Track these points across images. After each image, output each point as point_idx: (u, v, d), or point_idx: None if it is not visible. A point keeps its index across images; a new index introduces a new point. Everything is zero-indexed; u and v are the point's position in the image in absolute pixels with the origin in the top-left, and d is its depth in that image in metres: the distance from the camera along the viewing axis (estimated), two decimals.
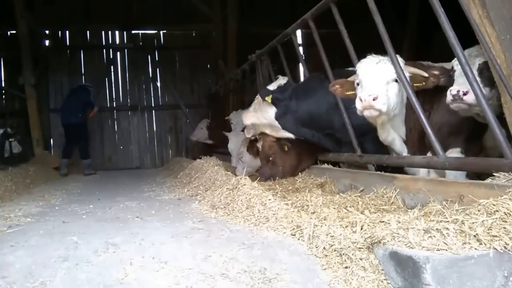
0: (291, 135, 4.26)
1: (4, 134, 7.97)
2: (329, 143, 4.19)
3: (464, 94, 2.64)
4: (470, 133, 3.09)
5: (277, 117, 4.19)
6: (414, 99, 2.85)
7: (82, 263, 2.12)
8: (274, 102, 4.15)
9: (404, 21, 10.77)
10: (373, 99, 2.92)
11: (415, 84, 3.04)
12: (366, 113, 3.02)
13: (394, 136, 3.34)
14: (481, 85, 2.51)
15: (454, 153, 2.99)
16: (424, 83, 3.05)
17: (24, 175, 6.32)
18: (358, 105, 2.99)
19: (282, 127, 4.22)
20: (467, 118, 3.02)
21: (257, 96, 4.43)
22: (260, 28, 10.51)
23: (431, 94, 3.13)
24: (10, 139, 8.12)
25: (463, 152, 3.05)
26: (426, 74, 3.05)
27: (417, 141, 3.20)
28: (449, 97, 2.71)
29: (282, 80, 4.49)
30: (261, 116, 4.26)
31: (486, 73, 2.65)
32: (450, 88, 2.72)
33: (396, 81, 3.06)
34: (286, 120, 4.17)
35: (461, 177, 2.88)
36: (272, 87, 4.38)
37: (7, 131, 8.01)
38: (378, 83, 3.03)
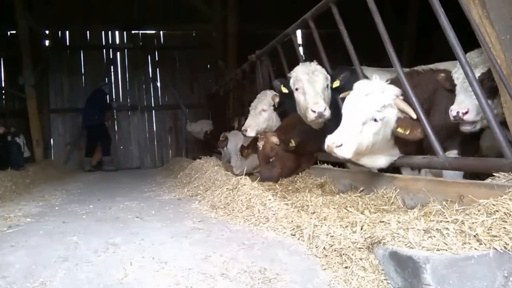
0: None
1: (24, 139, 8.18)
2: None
3: (464, 113, 2.65)
4: (466, 135, 3.11)
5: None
6: (417, 106, 2.84)
7: (82, 263, 2.12)
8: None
9: (404, 21, 10.78)
10: (336, 146, 2.78)
11: (398, 129, 2.85)
12: (333, 154, 2.87)
13: (380, 163, 3.12)
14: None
15: (451, 155, 3.00)
16: (408, 132, 2.82)
17: (24, 175, 6.33)
18: (325, 145, 2.86)
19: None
20: None
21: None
22: (260, 28, 10.52)
23: (428, 97, 3.11)
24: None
25: (459, 154, 3.07)
26: (414, 115, 2.83)
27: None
28: (451, 118, 2.73)
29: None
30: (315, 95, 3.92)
31: (488, 83, 2.65)
32: (451, 108, 2.75)
33: (376, 120, 2.83)
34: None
35: (458, 177, 2.89)
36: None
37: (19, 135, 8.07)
38: (350, 126, 2.82)
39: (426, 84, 3.18)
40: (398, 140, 2.98)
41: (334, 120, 4.03)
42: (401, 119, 2.86)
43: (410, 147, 3.02)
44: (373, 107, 2.81)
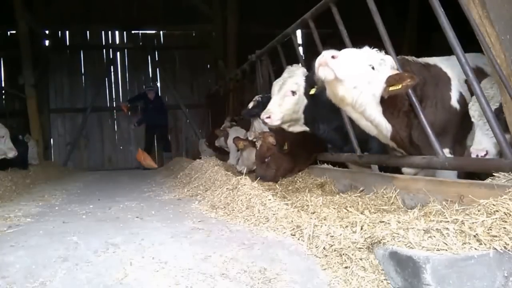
0: (306, 129, 4.17)
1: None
2: (337, 139, 4.15)
3: (483, 156, 2.65)
4: (457, 132, 3.09)
5: (304, 111, 4.03)
6: (416, 103, 2.85)
7: (82, 263, 2.12)
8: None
9: (404, 21, 10.78)
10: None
11: (390, 88, 2.77)
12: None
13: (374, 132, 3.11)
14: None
15: (447, 153, 2.99)
16: (399, 86, 2.74)
17: (24, 175, 6.32)
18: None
19: (304, 121, 4.09)
20: (454, 118, 3.06)
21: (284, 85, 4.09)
22: (260, 28, 10.53)
23: (420, 92, 3.07)
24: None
25: (451, 152, 3.06)
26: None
27: (408, 143, 3.17)
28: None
29: (301, 69, 4.19)
30: (289, 112, 3.99)
31: (503, 116, 2.59)
32: (470, 150, 2.74)
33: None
34: (311, 115, 4.05)
35: (453, 176, 2.90)
36: (300, 78, 4.08)
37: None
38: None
39: (417, 72, 3.09)
40: (386, 111, 2.93)
41: (325, 122, 4.08)
42: (388, 77, 2.77)
43: (400, 118, 3.00)
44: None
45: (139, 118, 11.09)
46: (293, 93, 3.96)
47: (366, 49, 2.85)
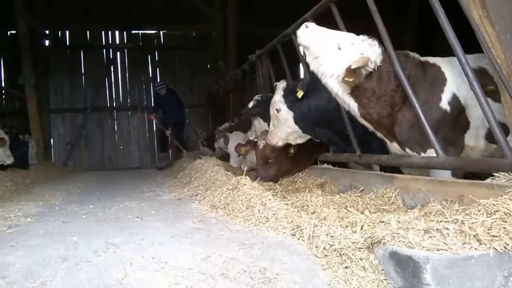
0: (309, 136, 4.22)
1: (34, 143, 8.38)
2: (339, 141, 4.16)
3: None
4: (447, 132, 3.04)
5: (296, 122, 4.10)
6: (410, 92, 2.84)
7: (82, 263, 2.13)
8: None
9: (404, 21, 10.79)
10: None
11: (345, 78, 2.89)
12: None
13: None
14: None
15: (433, 153, 2.91)
16: (354, 77, 2.89)
17: (24, 175, 6.33)
18: None
19: (302, 131, 4.15)
20: (442, 119, 3.01)
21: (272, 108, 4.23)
22: (260, 28, 10.53)
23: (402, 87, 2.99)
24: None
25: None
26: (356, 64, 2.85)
27: (385, 130, 3.19)
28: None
29: (283, 83, 4.31)
30: (284, 128, 4.14)
31: None
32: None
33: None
34: (304, 123, 4.10)
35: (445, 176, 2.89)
36: (278, 94, 4.20)
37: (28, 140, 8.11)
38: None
39: (410, 69, 3.07)
40: (357, 93, 3.06)
41: (323, 126, 4.10)
42: (347, 68, 2.89)
43: (379, 104, 3.04)
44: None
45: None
46: (278, 110, 4.11)
47: (353, 35, 3.05)
